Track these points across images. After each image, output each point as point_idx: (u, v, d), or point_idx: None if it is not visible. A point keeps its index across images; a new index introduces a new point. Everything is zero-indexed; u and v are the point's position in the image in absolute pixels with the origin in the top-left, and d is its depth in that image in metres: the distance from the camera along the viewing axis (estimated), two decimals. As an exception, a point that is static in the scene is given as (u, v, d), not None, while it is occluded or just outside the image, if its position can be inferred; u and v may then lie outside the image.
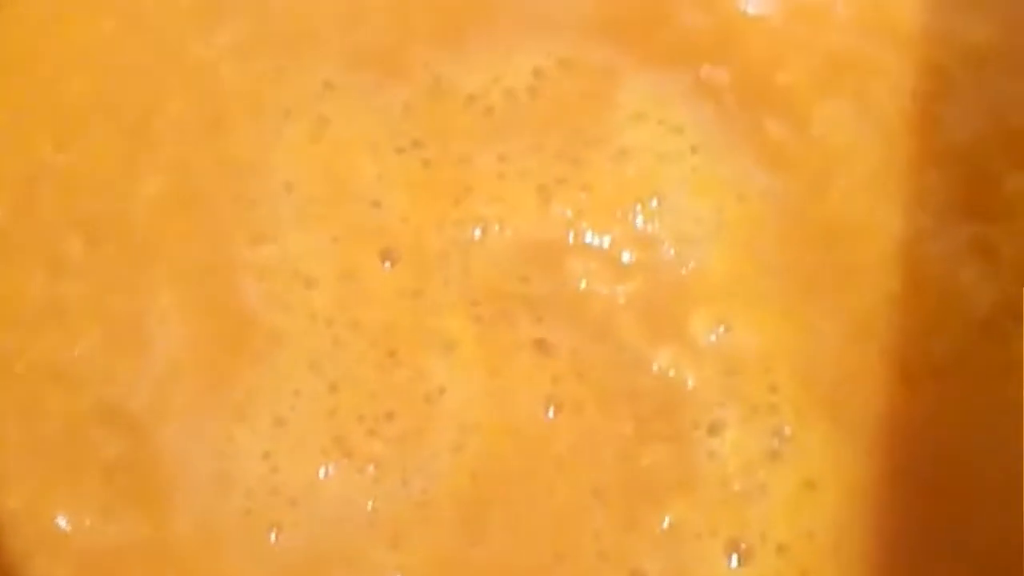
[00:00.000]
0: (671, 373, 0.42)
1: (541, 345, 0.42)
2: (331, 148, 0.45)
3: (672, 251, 0.43)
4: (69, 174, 0.45)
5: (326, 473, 0.41)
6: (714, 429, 0.41)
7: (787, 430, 0.41)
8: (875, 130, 0.43)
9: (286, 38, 0.47)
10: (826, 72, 0.44)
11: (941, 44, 0.44)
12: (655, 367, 0.42)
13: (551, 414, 0.41)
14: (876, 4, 0.45)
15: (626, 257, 0.43)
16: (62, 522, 0.42)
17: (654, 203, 0.43)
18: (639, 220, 0.43)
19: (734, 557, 0.40)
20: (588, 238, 0.43)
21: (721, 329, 0.42)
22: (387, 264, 0.44)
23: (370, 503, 0.41)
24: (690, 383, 0.41)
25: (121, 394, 0.43)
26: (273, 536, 0.41)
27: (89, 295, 0.44)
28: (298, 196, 0.45)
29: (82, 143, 0.46)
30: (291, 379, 0.42)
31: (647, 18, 0.46)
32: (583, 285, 0.43)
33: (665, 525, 0.41)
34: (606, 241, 0.43)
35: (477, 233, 0.44)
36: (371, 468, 0.41)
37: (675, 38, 0.45)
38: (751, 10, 0.45)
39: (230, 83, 0.46)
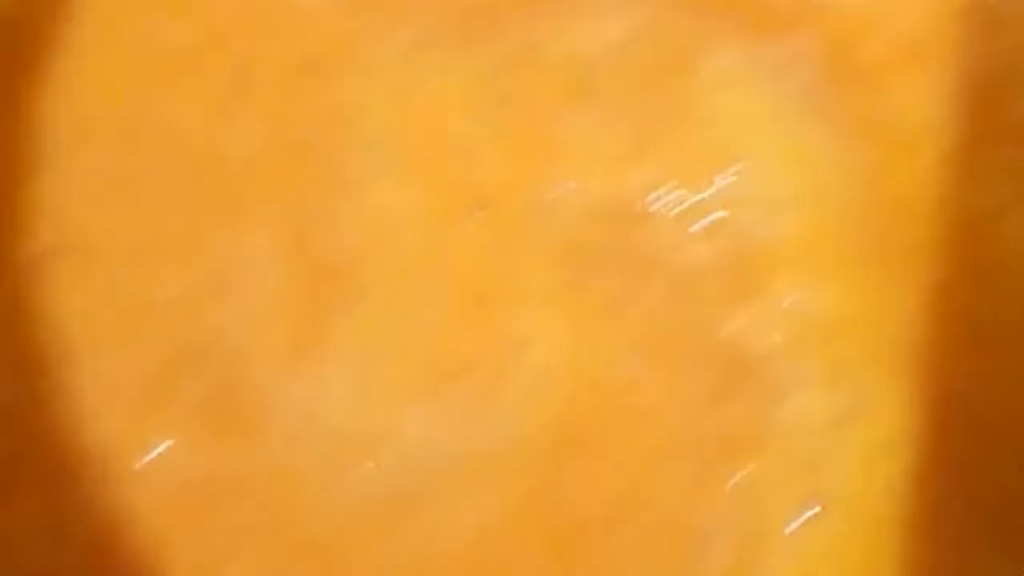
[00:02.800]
0: (749, 334, 0.41)
1: (623, 300, 0.42)
2: (425, 102, 0.45)
3: (753, 215, 0.43)
4: (169, 120, 0.45)
5: (412, 415, 0.42)
6: (790, 391, 0.41)
7: (859, 394, 0.41)
8: (957, 105, 0.43)
9: (380, -7, 0.47)
10: (909, 47, 0.44)
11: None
12: (733, 327, 0.42)
13: (631, 366, 0.42)
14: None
15: (708, 219, 0.43)
16: (155, 451, 0.42)
17: (737, 168, 0.43)
18: (722, 184, 0.43)
19: (804, 516, 0.40)
20: (672, 199, 0.43)
21: (799, 293, 0.42)
22: (474, 217, 0.44)
23: (453, 447, 0.41)
24: (766, 345, 0.41)
25: (216, 333, 0.43)
26: (358, 474, 0.41)
27: (187, 236, 0.44)
28: (390, 148, 0.44)
29: (181, 92, 0.46)
30: (381, 323, 0.42)
31: (734, -9, 0.46)
32: (665, 243, 0.43)
33: (737, 481, 0.41)
34: (689, 202, 0.43)
35: (564, 189, 0.43)
36: (455, 412, 0.41)
37: (762, 8, 0.45)
38: (834, -9, 0.45)
39: (330, 36, 0.46)
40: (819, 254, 0.42)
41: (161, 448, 0.42)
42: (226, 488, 0.42)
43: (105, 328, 0.43)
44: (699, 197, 0.43)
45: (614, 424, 0.41)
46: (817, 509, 0.40)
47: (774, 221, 0.43)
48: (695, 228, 0.43)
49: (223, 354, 0.43)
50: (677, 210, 0.43)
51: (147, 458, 0.42)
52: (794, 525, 0.40)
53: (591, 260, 0.43)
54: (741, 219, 0.43)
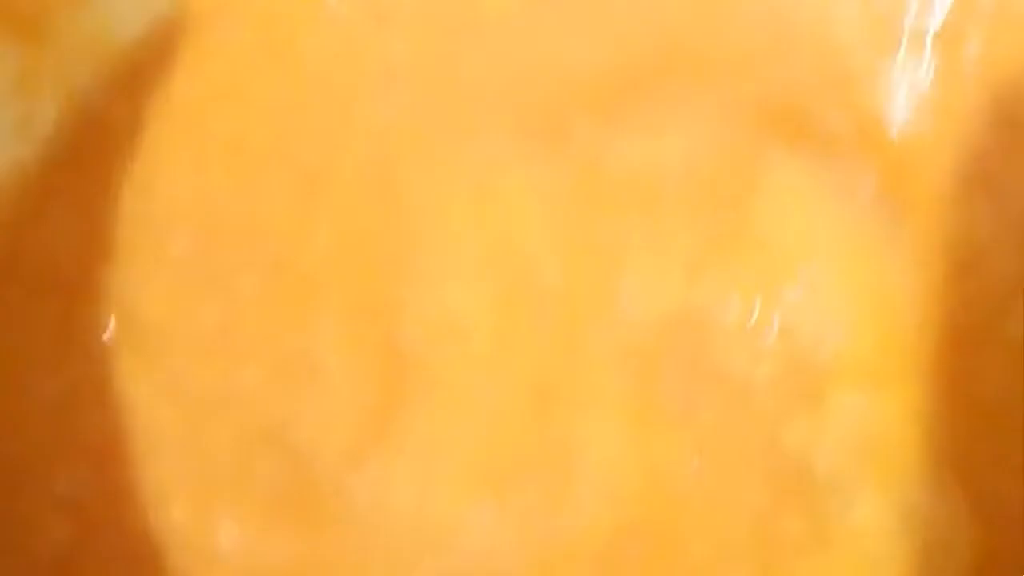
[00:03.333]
0: (806, 447, 0.42)
1: (684, 409, 0.43)
2: (492, 211, 0.46)
3: (811, 333, 0.44)
4: (246, 218, 0.46)
5: (475, 513, 0.42)
6: (846, 504, 0.42)
7: (917, 509, 0.42)
8: (1010, 234, 0.45)
9: (456, 104, 0.48)
10: (964, 177, 0.45)
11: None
12: (791, 440, 0.43)
13: (691, 474, 0.42)
14: (1014, 120, 0.46)
15: (767, 334, 0.44)
16: (222, 538, 0.43)
17: (797, 284, 0.44)
18: (783, 299, 0.44)
19: (860, 623, 0.41)
20: (731, 313, 0.44)
21: (857, 409, 0.43)
22: (540, 321, 0.45)
23: (514, 547, 0.42)
24: (824, 458, 0.42)
25: (286, 423, 0.44)
26: (420, 570, 0.42)
27: (259, 328, 0.45)
28: (459, 251, 0.46)
29: (259, 191, 0.47)
30: (446, 420, 0.43)
31: (796, 115, 0.47)
32: (725, 357, 0.44)
33: (794, 589, 0.41)
34: (749, 318, 0.44)
35: (627, 299, 0.45)
36: (517, 513, 0.42)
37: (822, 137, 0.47)
38: (895, 115, 0.47)
39: (405, 142, 0.47)
40: (876, 370, 0.43)
41: (227, 538, 0.43)
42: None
43: (174, 418, 0.44)
44: (761, 311, 0.44)
45: (676, 530, 0.42)
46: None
47: (833, 337, 0.44)
48: (756, 341, 0.44)
49: (291, 446, 0.43)
50: (739, 323, 0.44)
51: (214, 544, 0.43)
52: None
53: (654, 369, 0.44)
54: (801, 334, 0.44)
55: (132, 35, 0.50)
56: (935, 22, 0.49)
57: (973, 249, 0.45)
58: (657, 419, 0.43)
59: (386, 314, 0.45)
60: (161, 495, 0.43)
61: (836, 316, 0.44)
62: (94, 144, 0.48)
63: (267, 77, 0.49)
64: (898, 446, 0.42)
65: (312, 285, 0.46)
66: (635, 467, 0.42)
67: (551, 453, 0.43)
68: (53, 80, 0.48)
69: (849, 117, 0.47)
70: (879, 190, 0.46)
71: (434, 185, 0.47)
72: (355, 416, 0.44)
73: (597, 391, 0.43)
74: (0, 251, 0.46)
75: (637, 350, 0.44)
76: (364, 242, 0.46)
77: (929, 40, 0.49)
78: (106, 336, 0.45)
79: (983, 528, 0.41)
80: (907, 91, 0.48)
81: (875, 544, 0.41)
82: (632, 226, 0.46)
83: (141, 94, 0.49)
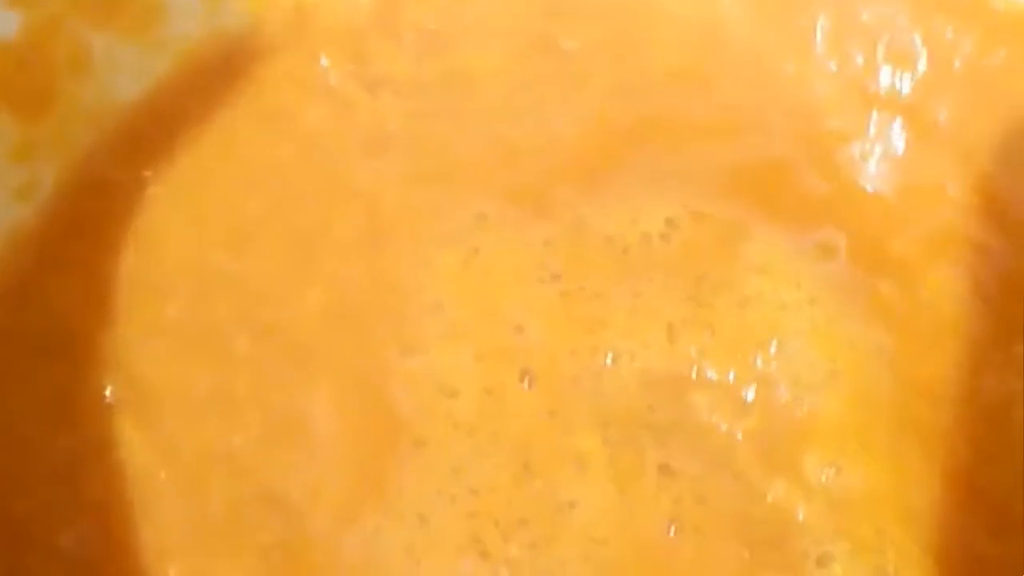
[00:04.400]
0: (784, 506, 0.43)
1: (665, 469, 0.44)
2: (479, 275, 0.47)
3: (788, 394, 0.45)
4: (241, 281, 0.47)
5: (463, 571, 0.43)
6: (822, 562, 0.42)
7: (891, 568, 0.42)
8: (978, 300, 0.45)
9: (443, 172, 0.49)
10: (936, 244, 0.46)
11: (1044, 227, 0.46)
12: (769, 499, 0.43)
13: (672, 533, 0.43)
14: (984, 187, 0.47)
15: (745, 395, 0.45)
16: (218, 596, 0.44)
17: (773, 348, 0.45)
18: (759, 363, 0.45)
19: None
20: (711, 375, 0.45)
21: (832, 469, 0.43)
22: (525, 384, 0.45)
23: (501, 602, 0.43)
24: (801, 516, 0.43)
25: (279, 482, 0.44)
26: (410, 624, 0.43)
27: (253, 390, 0.46)
28: (446, 316, 0.47)
29: (254, 254, 0.48)
30: (434, 481, 0.44)
31: (771, 180, 0.48)
32: (705, 417, 0.45)
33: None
34: (727, 379, 0.45)
35: (609, 362, 0.45)
36: (504, 570, 0.43)
37: (797, 200, 0.48)
38: (868, 181, 0.48)
39: (390, 210, 0.48)
40: (850, 432, 0.44)
41: (223, 593, 0.44)
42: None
43: (171, 478, 0.45)
44: (736, 374, 0.45)
45: (657, 588, 0.43)
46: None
47: (809, 399, 0.44)
48: (735, 402, 0.45)
49: (284, 505, 0.44)
50: (718, 385, 0.45)
51: (209, 603, 0.43)
52: None
53: (633, 430, 0.44)
54: (777, 396, 0.45)
55: (132, 101, 0.51)
56: (908, 86, 0.50)
57: (947, 312, 0.46)
58: (639, 480, 0.44)
59: (376, 376, 0.46)
60: (159, 552, 0.44)
61: (813, 377, 0.45)
62: (95, 208, 0.49)
63: (264, 143, 0.50)
64: (874, 506, 0.43)
65: (304, 348, 0.46)
66: (617, 528, 0.43)
67: (536, 514, 0.43)
68: (54, 147, 0.49)
69: (824, 180, 0.48)
70: (854, 252, 0.47)
71: (423, 250, 0.48)
72: (346, 476, 0.44)
73: (580, 453, 0.44)
74: (4, 315, 0.47)
75: (619, 412, 0.45)
76: (355, 305, 0.47)
77: (902, 104, 0.50)
78: (107, 397, 0.46)
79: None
80: (881, 154, 0.48)
81: (848, 603, 0.42)
82: (614, 290, 0.47)
83: (141, 159, 0.50)
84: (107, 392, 0.46)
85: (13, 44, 0.48)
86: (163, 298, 0.47)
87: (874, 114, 0.49)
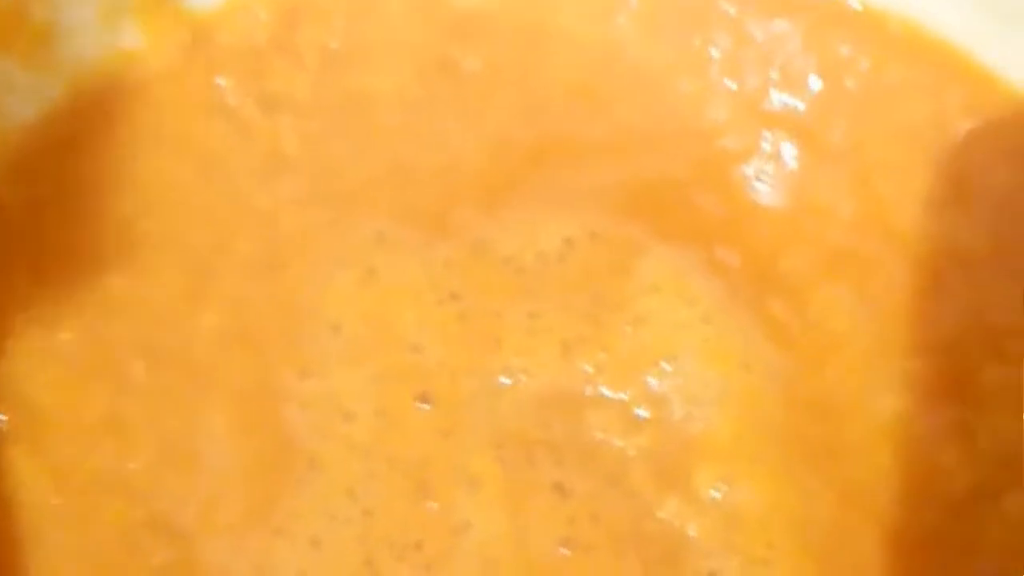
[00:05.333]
0: (676, 522, 0.43)
1: (559, 488, 0.43)
2: (377, 295, 0.47)
3: (681, 411, 0.44)
4: (136, 304, 0.46)
5: (356, 592, 0.43)
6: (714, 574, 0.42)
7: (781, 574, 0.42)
8: (868, 318, 0.45)
9: (342, 193, 0.48)
10: (827, 262, 0.46)
11: (933, 245, 0.46)
12: (661, 516, 0.43)
13: (565, 552, 0.43)
14: (876, 205, 0.47)
15: (639, 413, 0.44)
16: (108, 623, 0.43)
17: (667, 366, 0.45)
18: (652, 380, 0.45)
19: None
20: (605, 393, 0.45)
21: (723, 486, 0.43)
22: (421, 404, 0.45)
23: (395, 625, 0.42)
24: (693, 533, 0.43)
25: (171, 507, 0.43)
26: (302, 649, 0.42)
27: (147, 414, 0.45)
28: (344, 337, 0.46)
29: (149, 276, 0.47)
30: (328, 503, 0.43)
31: (667, 199, 0.48)
32: (599, 435, 0.44)
33: (664, 664, 0.42)
34: (621, 397, 0.45)
35: (505, 381, 0.45)
36: (398, 591, 0.42)
37: (691, 219, 0.47)
38: (761, 200, 0.48)
39: (288, 230, 0.48)
40: (744, 449, 0.44)
41: (113, 620, 0.43)
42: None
43: (62, 504, 0.44)
44: (630, 392, 0.45)
45: (551, 606, 0.42)
46: None
47: (702, 416, 0.44)
48: (628, 420, 0.44)
49: (176, 530, 0.43)
50: (611, 403, 0.45)
51: (99, 630, 0.42)
52: None
53: (528, 449, 0.44)
54: (670, 414, 0.44)
55: (25, 124, 0.50)
56: (803, 105, 0.50)
57: (837, 328, 0.46)
58: (533, 499, 0.43)
59: (272, 399, 0.45)
60: (52, 578, 0.43)
61: (705, 394, 0.45)
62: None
63: (160, 164, 0.49)
64: (765, 522, 0.43)
65: (200, 371, 0.46)
66: (511, 548, 0.43)
67: (430, 536, 0.43)
68: (-53, 170, 0.48)
69: (719, 199, 0.48)
70: (747, 270, 0.47)
71: (320, 271, 0.47)
72: (239, 500, 0.44)
73: (475, 473, 0.44)
74: None
75: (514, 431, 0.44)
76: (251, 327, 0.46)
77: (797, 123, 0.50)
78: (-2, 423, 0.45)
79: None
80: (775, 173, 0.49)
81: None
82: (511, 309, 0.46)
83: (35, 181, 0.49)
84: (-2, 418, 0.45)
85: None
86: (56, 322, 0.46)
87: (768, 133, 0.49)
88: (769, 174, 0.48)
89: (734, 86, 0.50)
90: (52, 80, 0.50)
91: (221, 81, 0.51)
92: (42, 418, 0.45)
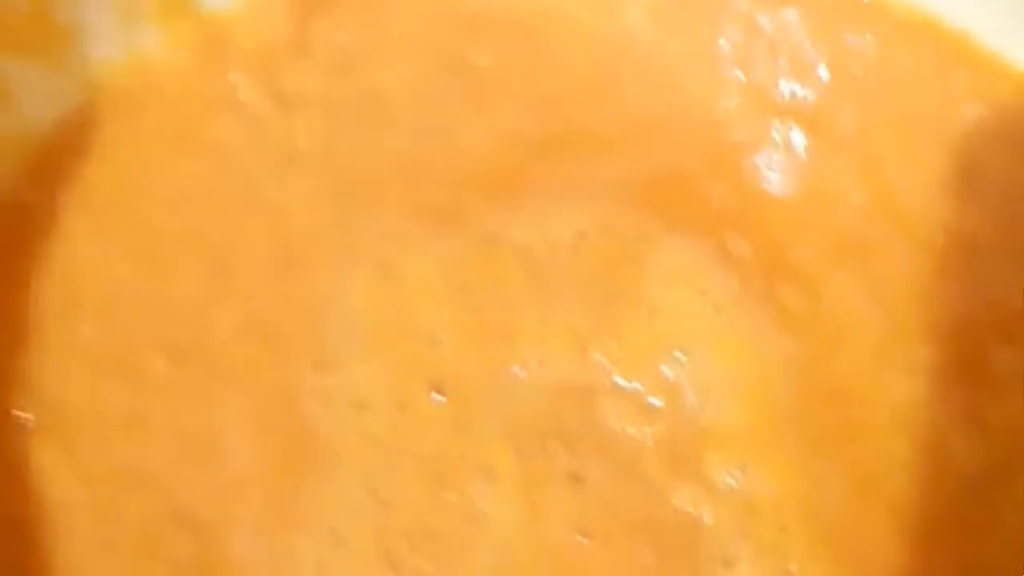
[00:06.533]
0: (690, 510, 0.42)
1: (574, 477, 0.43)
2: (391, 289, 0.46)
3: (694, 400, 0.44)
4: (154, 301, 0.46)
5: (374, 582, 0.42)
6: (728, 563, 0.42)
7: (794, 568, 0.42)
8: (879, 305, 0.45)
9: (356, 188, 0.48)
10: (837, 250, 0.46)
11: (942, 231, 0.46)
12: (676, 503, 0.43)
13: (582, 540, 0.42)
14: (885, 193, 0.47)
15: (653, 402, 0.44)
16: (132, 615, 0.43)
17: (680, 356, 0.45)
18: (666, 370, 0.44)
19: None
20: (619, 383, 0.44)
21: (737, 473, 0.43)
22: (437, 396, 0.45)
23: (413, 614, 0.42)
24: (707, 520, 0.42)
25: (193, 501, 0.43)
26: (323, 639, 0.42)
27: (167, 409, 0.45)
28: (359, 330, 0.46)
29: (167, 273, 0.47)
30: (346, 495, 0.43)
31: (678, 190, 0.48)
32: (613, 425, 0.44)
33: (680, 650, 0.41)
34: (635, 387, 0.44)
35: (519, 372, 0.45)
36: (415, 581, 0.42)
37: (703, 209, 0.47)
38: (772, 189, 0.47)
39: (304, 226, 0.47)
40: (757, 437, 0.43)
41: (138, 612, 0.43)
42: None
43: (86, 498, 0.44)
44: (644, 382, 0.44)
45: (566, 595, 0.42)
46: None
47: (715, 405, 0.44)
48: (642, 410, 0.44)
49: (197, 523, 0.43)
50: (626, 393, 0.44)
51: (124, 622, 0.42)
52: None
53: (544, 438, 0.44)
54: (684, 403, 0.44)
55: (45, 126, 0.50)
56: (812, 95, 0.49)
57: (848, 316, 0.45)
58: (548, 489, 0.43)
59: (289, 393, 0.45)
60: (74, 571, 0.43)
61: (718, 383, 0.44)
62: (8, 232, 0.48)
63: (177, 162, 0.49)
64: (777, 508, 0.42)
65: (218, 366, 0.45)
66: (528, 537, 0.42)
67: (447, 525, 0.43)
68: (-32, 173, 0.48)
69: (730, 189, 0.48)
70: (758, 260, 0.46)
71: (334, 265, 0.47)
72: (259, 493, 0.43)
73: (491, 464, 0.43)
74: (-83, 339, 0.46)
75: (529, 422, 0.44)
76: (268, 322, 0.46)
77: (806, 112, 0.49)
78: (22, 419, 0.45)
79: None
80: (785, 162, 0.48)
81: (755, 604, 0.41)
82: (524, 301, 0.46)
83: (55, 183, 0.49)
84: (22, 415, 0.45)
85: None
86: (78, 320, 0.46)
87: (778, 123, 0.49)
88: (779, 163, 0.48)
89: (743, 77, 0.50)
90: (73, 82, 0.50)
91: (236, 79, 0.50)
92: (66, 414, 0.45)
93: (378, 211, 0.48)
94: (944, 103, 0.48)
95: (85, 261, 0.47)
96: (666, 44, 0.50)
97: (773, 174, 0.48)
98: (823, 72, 0.49)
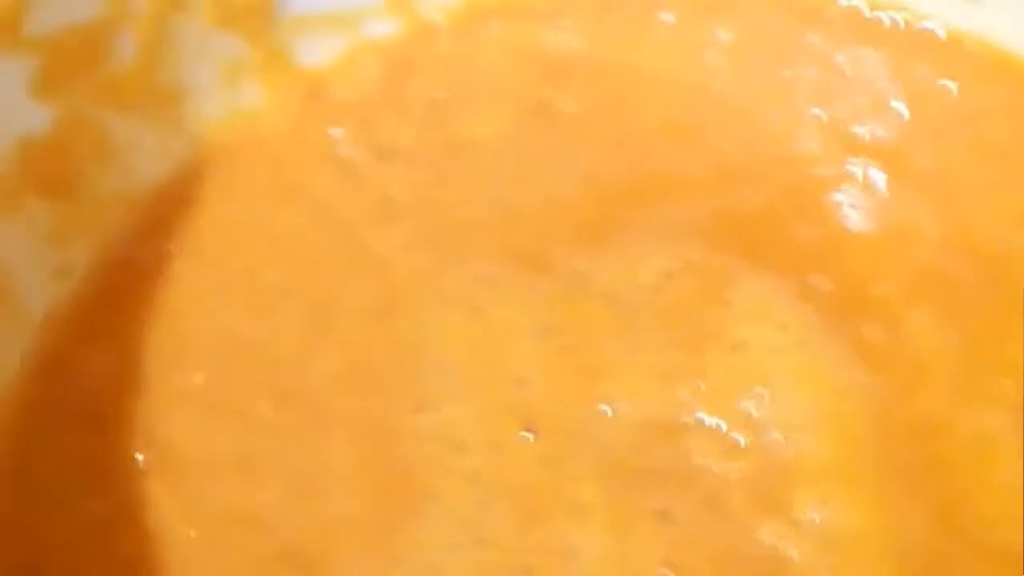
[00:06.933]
0: (776, 546, 0.43)
1: (662, 514, 0.44)
2: (483, 332, 0.48)
3: (778, 436, 0.45)
4: (262, 347, 0.48)
5: (473, 620, 0.44)
6: (814, 597, 0.43)
7: (880, 598, 0.42)
8: (958, 338, 0.45)
9: (448, 235, 0.50)
10: (916, 284, 0.46)
11: (1020, 264, 0.46)
12: (761, 539, 0.43)
13: (668, 574, 0.43)
14: (964, 228, 0.47)
15: (737, 438, 0.45)
16: (242, 650, 0.45)
17: (763, 392, 0.45)
18: (750, 407, 0.45)
19: None
20: (704, 420, 0.45)
21: (821, 508, 0.44)
22: (528, 435, 0.46)
23: (509, 649, 0.43)
24: (794, 556, 0.43)
25: (298, 538, 0.45)
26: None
27: (274, 451, 0.47)
28: (454, 373, 0.47)
29: (274, 322, 0.49)
30: (444, 533, 0.45)
31: (759, 229, 0.48)
32: (699, 461, 0.45)
33: None
34: (720, 424, 0.45)
35: (607, 411, 0.46)
36: (512, 616, 0.44)
37: (784, 247, 0.48)
38: (852, 226, 0.48)
39: (400, 273, 0.49)
40: (838, 472, 0.44)
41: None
42: None
43: (198, 538, 0.45)
44: (728, 419, 0.45)
45: (656, 630, 0.43)
46: None
47: (798, 441, 0.45)
48: (727, 446, 0.45)
49: (305, 558, 0.45)
50: (710, 430, 0.45)
51: (235, 656, 0.44)
52: None
53: (632, 475, 0.45)
54: (768, 439, 0.45)
55: (154, 182, 0.52)
56: (891, 132, 0.50)
57: (928, 350, 0.46)
58: (636, 525, 0.44)
59: (388, 434, 0.47)
60: (191, 609, 0.45)
61: (801, 419, 0.45)
62: (123, 285, 0.50)
63: (279, 214, 0.51)
64: (863, 544, 0.43)
65: (322, 409, 0.47)
66: (616, 570, 0.43)
67: (540, 561, 0.44)
68: (84, 229, 0.51)
69: (810, 226, 0.48)
70: (839, 295, 0.47)
71: (430, 310, 0.49)
72: (361, 531, 0.45)
73: (581, 500, 0.45)
74: (41, 387, 0.49)
75: (617, 459, 0.45)
76: (368, 367, 0.48)
77: (885, 149, 0.50)
78: (137, 462, 0.47)
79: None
80: (864, 199, 0.49)
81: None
82: (610, 340, 0.47)
83: (165, 235, 0.51)
84: (137, 457, 0.47)
85: (44, 136, 0.50)
86: (189, 367, 0.49)
87: (857, 160, 0.49)
88: (859, 200, 0.49)
89: (822, 115, 0.50)
90: (179, 138, 0.53)
91: (335, 133, 0.52)
92: (177, 455, 0.47)
93: (469, 257, 0.49)
94: (1021, 136, 0.48)
95: (194, 311, 0.50)
96: (745, 86, 0.51)
97: (853, 211, 0.48)
98: (901, 109, 0.50)
